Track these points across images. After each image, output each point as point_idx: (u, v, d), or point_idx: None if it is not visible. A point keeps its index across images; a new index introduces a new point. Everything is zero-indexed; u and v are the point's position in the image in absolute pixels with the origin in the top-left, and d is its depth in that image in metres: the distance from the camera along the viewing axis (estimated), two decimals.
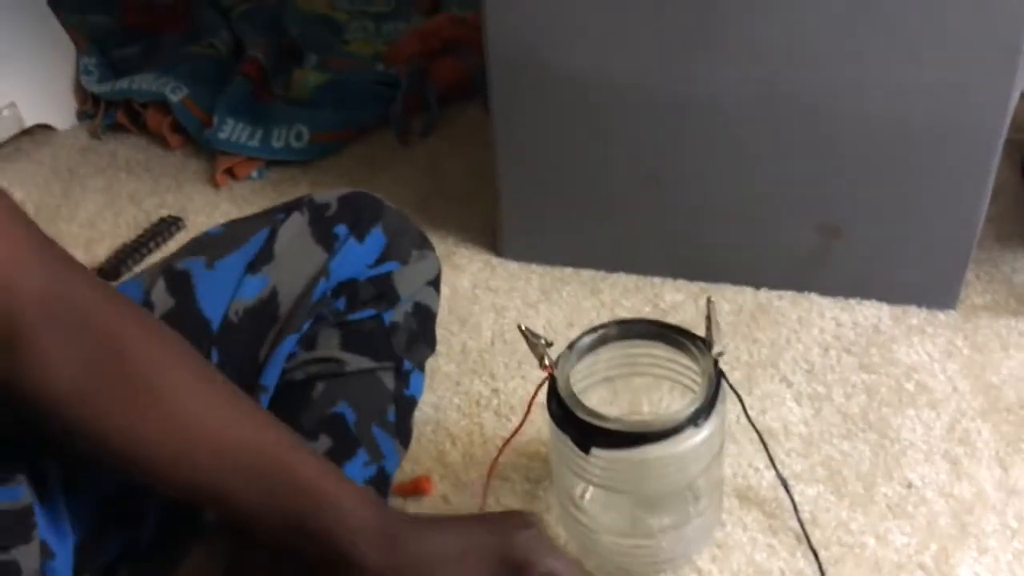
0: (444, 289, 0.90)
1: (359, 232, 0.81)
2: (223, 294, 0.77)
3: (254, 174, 1.22)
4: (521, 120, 1.01)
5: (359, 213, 0.82)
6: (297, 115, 1.23)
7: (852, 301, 0.99)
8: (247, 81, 1.28)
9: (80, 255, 1.08)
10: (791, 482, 0.80)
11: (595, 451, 0.67)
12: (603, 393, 0.76)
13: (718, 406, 0.68)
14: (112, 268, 1.09)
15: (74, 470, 0.68)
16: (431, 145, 1.28)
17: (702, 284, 1.02)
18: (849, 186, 0.95)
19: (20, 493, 0.65)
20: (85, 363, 0.58)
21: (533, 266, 1.07)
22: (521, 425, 0.72)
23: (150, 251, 1.12)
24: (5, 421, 0.66)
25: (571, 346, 0.72)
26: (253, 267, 0.77)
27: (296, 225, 0.80)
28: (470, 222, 1.13)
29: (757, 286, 1.01)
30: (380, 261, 0.82)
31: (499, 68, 0.99)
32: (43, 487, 0.67)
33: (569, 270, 1.06)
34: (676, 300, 1.01)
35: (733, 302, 1.00)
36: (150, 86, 1.27)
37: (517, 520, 0.63)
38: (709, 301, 0.68)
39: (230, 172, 1.21)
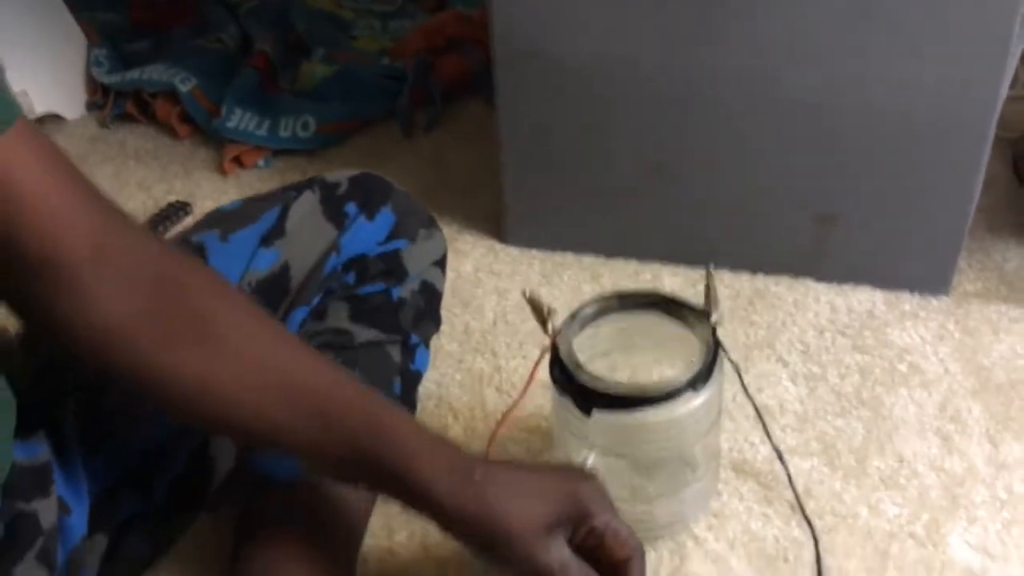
0: (448, 273, 0.92)
1: (369, 211, 0.83)
2: (236, 266, 0.79)
3: (261, 162, 1.24)
4: (525, 110, 1.04)
5: (369, 193, 0.84)
6: (304, 106, 1.26)
7: (847, 287, 1.01)
8: (255, 73, 1.30)
9: None
10: (786, 456, 0.81)
11: (596, 413, 0.69)
12: (603, 366, 0.78)
13: (715, 373, 0.71)
14: None
15: (91, 432, 0.71)
16: (435, 138, 1.30)
17: (701, 270, 1.04)
18: (846, 176, 0.97)
19: (40, 450, 0.67)
20: (144, 302, 0.60)
21: (535, 252, 1.09)
22: (524, 392, 0.74)
23: (159, 235, 1.15)
24: (26, 381, 0.68)
25: (574, 315, 0.74)
26: (266, 241, 0.80)
27: (308, 203, 0.82)
28: (473, 211, 1.15)
29: (754, 272, 1.04)
30: (389, 239, 0.84)
31: (504, 59, 1.02)
32: (61, 447, 0.69)
33: (570, 256, 1.08)
34: (674, 285, 1.03)
35: (731, 287, 1.02)
36: (160, 77, 1.29)
37: (580, 473, 0.66)
38: (708, 270, 0.71)
39: (237, 160, 1.24)
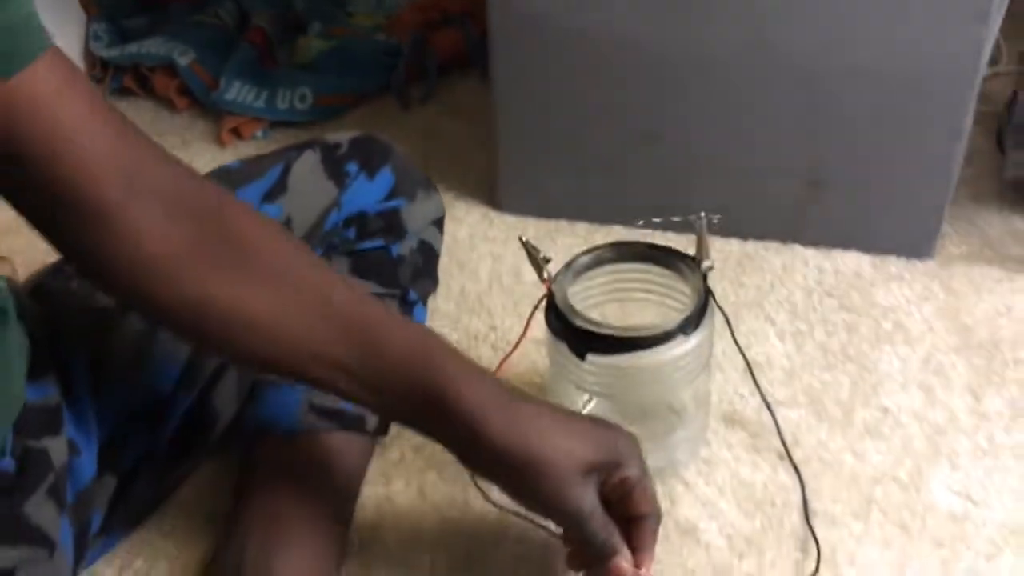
0: (444, 238, 0.94)
1: (369, 170, 0.85)
2: None
3: (259, 134, 1.26)
4: (520, 78, 1.05)
5: (369, 153, 0.86)
6: (302, 78, 1.28)
7: (835, 251, 1.04)
8: (253, 48, 1.32)
9: None
10: (774, 408, 0.84)
11: (590, 357, 0.71)
12: (597, 316, 0.80)
13: (706, 320, 0.73)
14: None
15: (99, 376, 0.72)
16: (430, 111, 1.32)
17: (691, 236, 1.06)
18: (832, 143, 1.00)
19: (51, 392, 0.69)
20: (183, 234, 0.60)
21: (529, 219, 1.11)
22: (523, 335, 0.76)
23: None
24: (37, 327, 0.70)
25: (568, 264, 0.76)
26: (269, 197, 0.82)
27: (309, 162, 0.84)
28: (467, 180, 1.17)
29: (744, 238, 1.06)
30: (388, 197, 0.86)
31: (500, 28, 1.03)
32: (70, 390, 0.71)
33: (564, 222, 1.10)
34: None
35: (721, 251, 1.04)
36: (159, 50, 1.31)
37: (619, 427, 0.67)
38: (699, 218, 0.73)
39: (235, 131, 1.25)
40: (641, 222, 0.77)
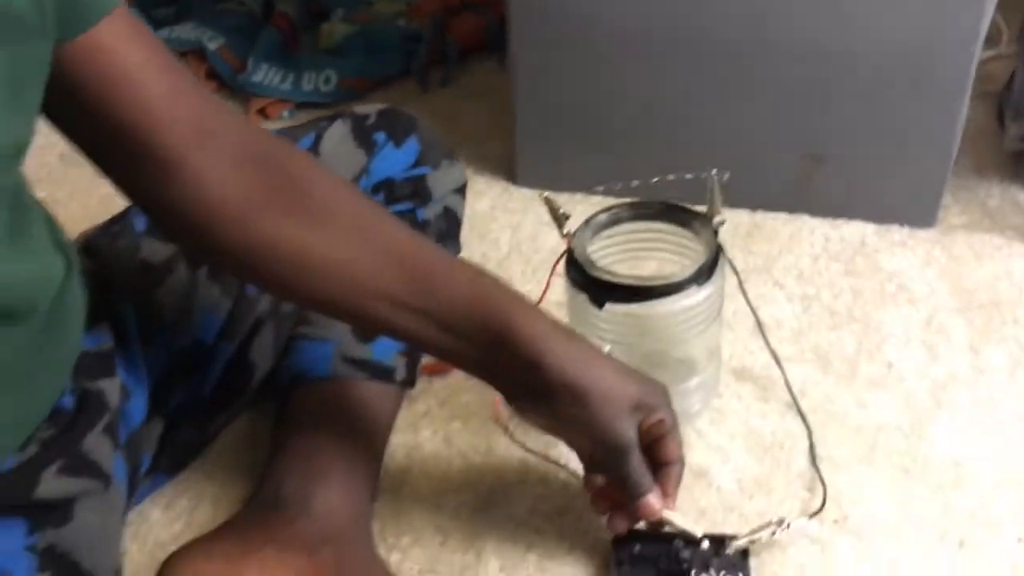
0: (465, 210, 0.99)
1: (396, 139, 0.89)
2: None
3: (285, 114, 1.31)
4: (537, 57, 1.10)
5: (396, 124, 0.90)
6: (326, 61, 1.33)
7: (840, 221, 1.08)
8: (278, 32, 1.37)
9: None
10: (782, 362, 0.88)
11: (608, 306, 0.76)
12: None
13: (717, 272, 0.77)
14: None
15: (148, 325, 0.77)
16: (450, 94, 1.37)
17: (701, 207, 1.11)
18: (835, 116, 1.04)
19: (104, 339, 0.74)
20: (248, 179, 0.65)
21: (546, 192, 1.15)
22: (545, 291, 0.80)
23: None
24: (90, 281, 0.74)
25: (587, 222, 0.80)
26: None
27: (339, 132, 0.88)
28: (486, 158, 1.22)
29: (753, 209, 1.10)
30: (414, 166, 0.91)
31: (518, 11, 1.08)
32: (122, 338, 0.76)
33: (579, 196, 1.14)
34: None
35: (730, 221, 1.06)
36: (189, 36, 1.36)
37: (653, 377, 0.72)
38: (710, 175, 0.77)
39: (262, 112, 1.30)
40: (656, 179, 0.80)
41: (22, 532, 0.64)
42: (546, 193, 0.78)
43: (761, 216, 1.09)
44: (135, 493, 0.76)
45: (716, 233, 0.77)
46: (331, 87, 1.31)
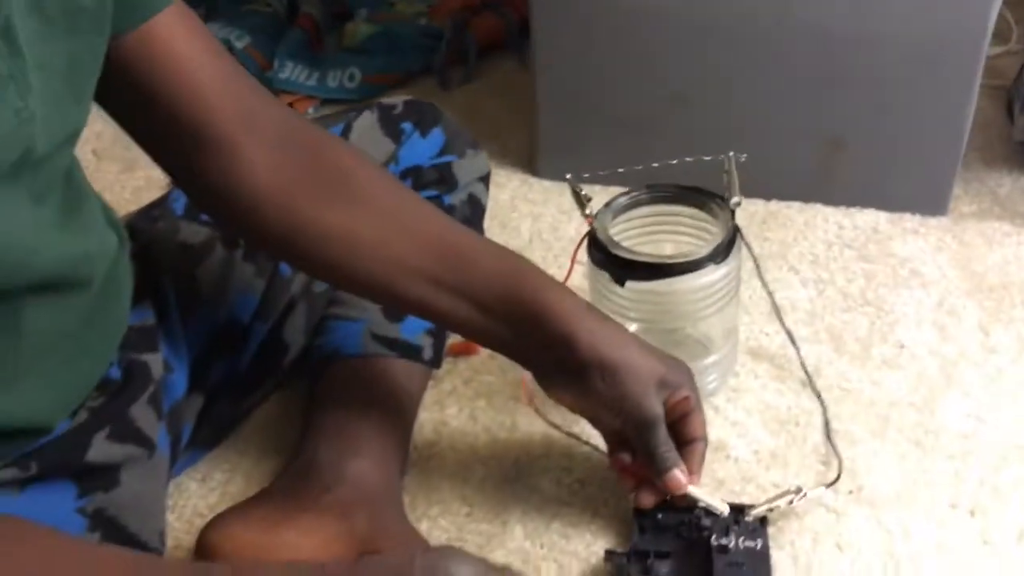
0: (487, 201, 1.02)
1: (422, 129, 0.93)
2: None
3: (311, 110, 1.34)
4: (559, 52, 1.13)
5: (422, 114, 0.94)
6: (351, 59, 1.37)
7: (853, 209, 1.10)
8: (303, 32, 1.41)
9: (156, 174, 1.22)
10: (797, 343, 0.91)
11: (629, 284, 0.79)
12: None
13: (734, 251, 0.80)
14: None
15: (187, 303, 0.80)
16: (470, 91, 1.40)
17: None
18: (849, 104, 1.07)
19: (148, 315, 0.77)
20: (293, 164, 0.68)
21: (566, 184, 1.18)
22: (569, 272, 0.83)
23: None
24: (133, 259, 0.78)
25: (608, 204, 0.84)
26: None
27: (367, 121, 0.92)
28: (507, 152, 1.25)
29: (768, 198, 1.13)
30: (440, 154, 0.94)
31: (541, 6, 1.11)
32: (163, 315, 0.79)
33: (598, 187, 1.16)
34: None
35: (745, 211, 1.11)
36: (216, 35, 1.39)
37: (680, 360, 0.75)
38: (728, 157, 0.80)
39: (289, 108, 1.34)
40: (675, 161, 0.83)
41: (72, 495, 0.67)
42: (569, 175, 0.81)
43: (776, 205, 1.12)
44: (175, 464, 0.79)
45: (733, 214, 0.80)
46: (355, 84, 1.35)
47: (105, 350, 0.70)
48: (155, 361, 0.75)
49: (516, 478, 0.82)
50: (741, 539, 0.73)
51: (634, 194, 0.85)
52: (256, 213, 0.69)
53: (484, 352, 0.94)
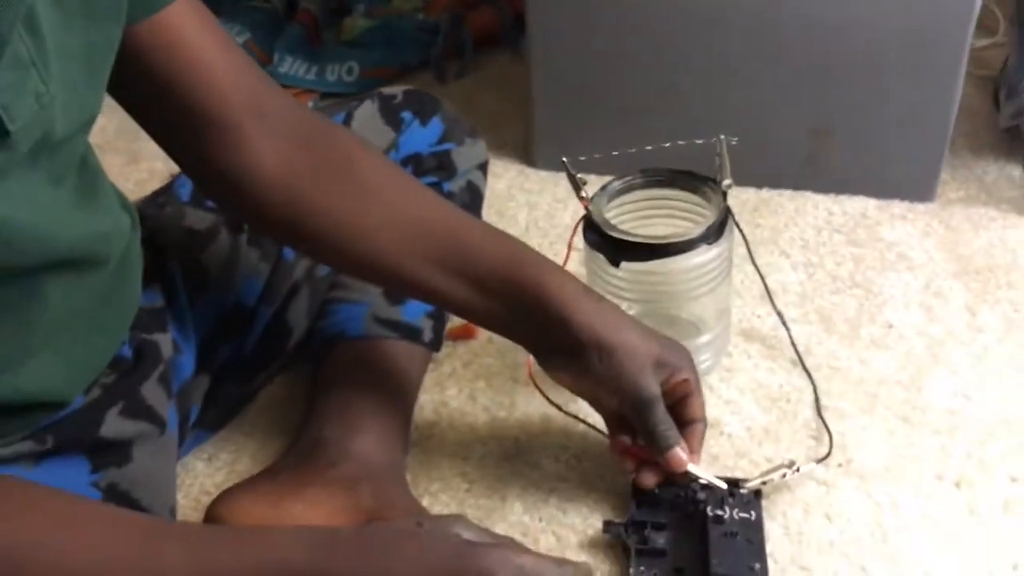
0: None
1: (422, 118, 0.95)
2: None
3: (310, 104, 1.36)
4: (554, 41, 1.16)
5: (421, 104, 0.96)
6: (349, 53, 1.39)
7: (843, 196, 1.13)
8: (302, 27, 1.43)
9: (159, 166, 1.24)
10: (788, 324, 0.93)
11: (624, 265, 0.81)
12: None
13: (726, 232, 0.82)
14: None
15: (194, 285, 0.82)
16: (466, 84, 1.43)
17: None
18: (838, 93, 1.09)
19: (156, 298, 0.79)
20: (300, 154, 0.70)
21: (561, 173, 1.18)
22: (568, 256, 0.85)
23: None
24: (142, 243, 0.80)
25: (603, 188, 0.86)
26: None
27: (368, 110, 0.94)
28: (504, 143, 1.27)
29: (759, 186, 1.16)
30: (439, 142, 0.96)
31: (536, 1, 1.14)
32: (172, 298, 0.81)
33: (593, 176, 1.18)
34: None
35: (737, 199, 1.14)
36: None
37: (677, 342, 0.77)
38: (719, 139, 0.82)
39: None
40: (667, 144, 0.86)
41: (86, 470, 0.69)
42: (565, 159, 0.83)
43: (767, 193, 1.15)
44: (183, 444, 0.81)
45: (725, 196, 0.83)
46: (354, 77, 1.37)
47: (118, 328, 0.72)
48: (164, 341, 0.77)
49: (515, 455, 0.84)
50: (735, 510, 0.75)
51: (628, 178, 0.87)
52: (263, 199, 0.71)
53: (483, 336, 0.96)
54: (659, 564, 0.72)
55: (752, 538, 0.73)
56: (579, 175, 0.84)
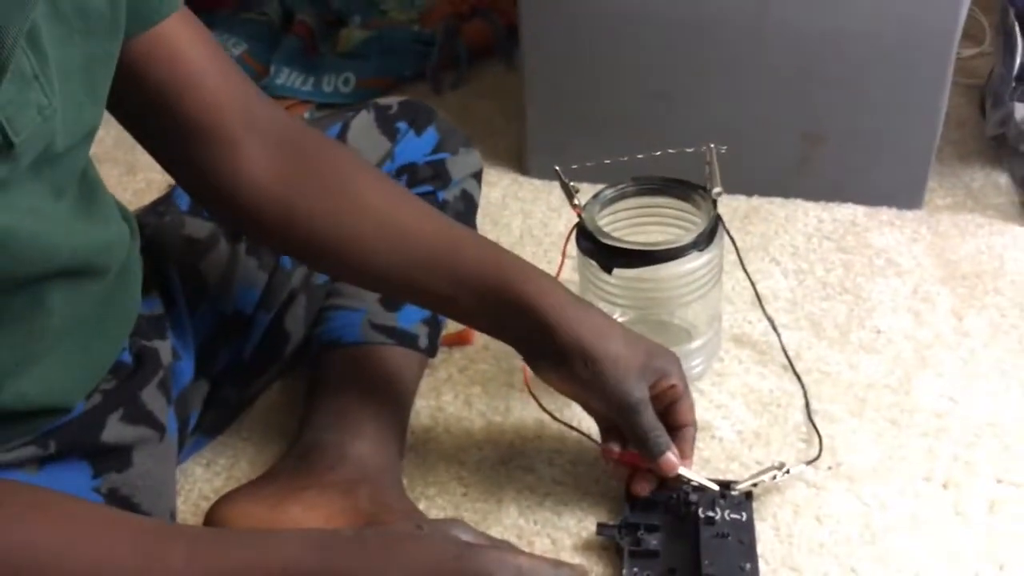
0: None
1: (417, 128, 0.96)
2: None
3: (306, 114, 1.38)
4: (547, 51, 1.17)
5: (416, 114, 0.97)
6: (345, 64, 1.41)
7: (832, 204, 1.15)
8: (298, 39, 1.45)
9: (156, 177, 1.25)
10: (778, 329, 0.94)
11: (616, 271, 0.82)
12: None
13: (716, 239, 0.84)
14: None
15: (193, 292, 0.84)
16: (461, 94, 1.44)
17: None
18: (826, 101, 1.11)
19: (155, 305, 0.81)
20: (290, 163, 0.72)
21: (555, 182, 1.20)
22: (561, 265, 0.87)
23: None
24: (141, 251, 0.81)
25: (596, 196, 0.87)
26: None
27: (364, 121, 0.95)
28: (498, 152, 1.29)
29: (750, 194, 1.17)
30: (434, 152, 0.97)
31: (529, 12, 1.15)
32: (170, 304, 0.82)
33: (586, 184, 1.19)
34: None
35: (728, 206, 1.15)
36: None
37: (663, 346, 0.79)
38: (709, 148, 0.84)
39: None
40: (658, 153, 0.87)
41: (88, 475, 0.70)
42: (557, 167, 0.84)
43: (758, 200, 1.16)
44: (182, 450, 0.82)
45: (715, 204, 0.84)
46: (350, 88, 1.39)
47: (119, 335, 0.73)
48: (164, 348, 0.78)
49: (510, 460, 0.85)
50: (727, 512, 0.76)
51: (621, 186, 0.88)
52: (256, 208, 0.73)
53: (479, 342, 0.98)
54: (652, 565, 0.73)
55: (743, 539, 0.74)
56: (572, 183, 0.85)
